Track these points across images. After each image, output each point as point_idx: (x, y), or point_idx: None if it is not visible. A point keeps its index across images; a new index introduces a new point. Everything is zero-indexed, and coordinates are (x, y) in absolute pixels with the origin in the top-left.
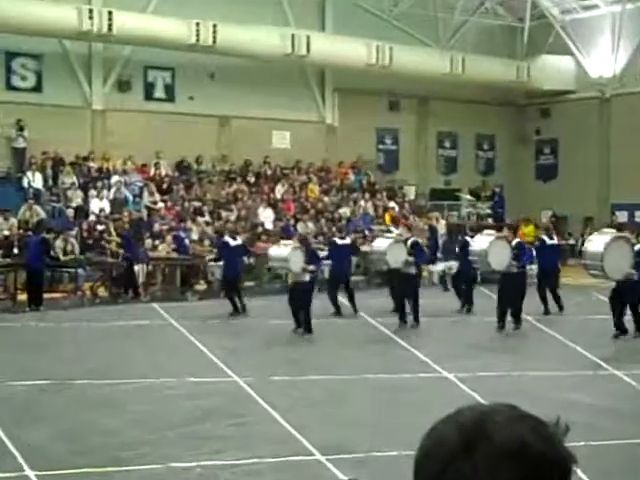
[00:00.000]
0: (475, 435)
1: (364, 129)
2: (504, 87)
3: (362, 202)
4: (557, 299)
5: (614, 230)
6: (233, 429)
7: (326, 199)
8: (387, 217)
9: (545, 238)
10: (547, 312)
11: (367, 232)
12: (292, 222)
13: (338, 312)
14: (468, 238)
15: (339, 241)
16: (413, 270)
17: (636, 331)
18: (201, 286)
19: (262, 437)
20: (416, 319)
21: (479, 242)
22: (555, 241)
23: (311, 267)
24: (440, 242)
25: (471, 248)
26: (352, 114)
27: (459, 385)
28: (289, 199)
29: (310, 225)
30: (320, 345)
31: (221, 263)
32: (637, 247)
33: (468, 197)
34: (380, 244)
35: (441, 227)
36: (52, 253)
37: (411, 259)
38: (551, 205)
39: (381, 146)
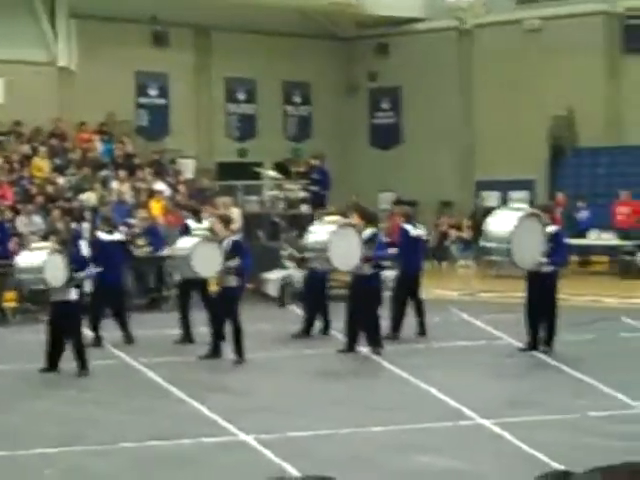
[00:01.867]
0: None
1: (117, 74)
2: (322, 12)
3: (115, 184)
4: (421, 316)
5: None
6: None
7: (61, 180)
8: (154, 205)
9: (408, 227)
10: (395, 337)
11: (124, 228)
12: (9, 216)
13: (98, 342)
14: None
15: (105, 236)
16: (234, 282)
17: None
18: None
19: None
20: (239, 352)
21: (318, 232)
22: (422, 232)
23: (81, 274)
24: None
25: (307, 240)
26: (98, 52)
27: (261, 451)
28: (3, 181)
29: (36, 220)
30: (56, 399)
31: None
32: (551, 229)
33: (273, 174)
34: (183, 244)
35: (235, 219)
36: None
37: (232, 264)
38: (393, 184)
39: (143, 99)
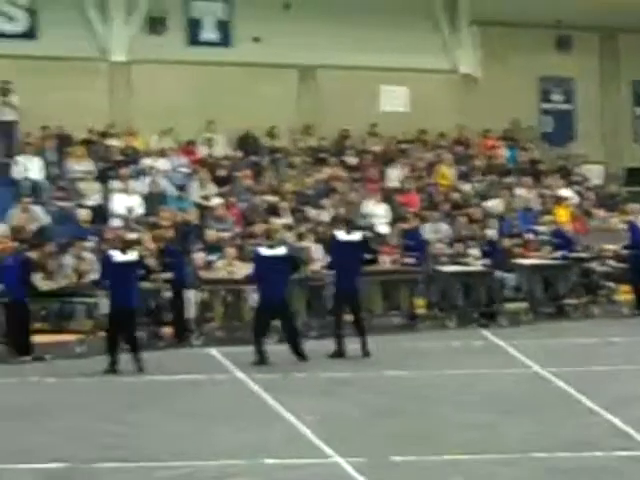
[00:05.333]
0: None
1: (520, 80)
2: None
3: (520, 190)
4: None
5: None
6: None
7: (466, 187)
8: (560, 212)
9: None
10: None
11: (528, 236)
12: (417, 223)
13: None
14: None
15: (341, 236)
16: None
17: None
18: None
19: None
20: None
21: None
22: None
23: None
24: None
25: None
26: (501, 58)
27: None
28: (411, 188)
29: (442, 227)
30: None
31: None
32: None
33: None
34: None
35: None
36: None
37: None
38: None
39: (547, 105)
